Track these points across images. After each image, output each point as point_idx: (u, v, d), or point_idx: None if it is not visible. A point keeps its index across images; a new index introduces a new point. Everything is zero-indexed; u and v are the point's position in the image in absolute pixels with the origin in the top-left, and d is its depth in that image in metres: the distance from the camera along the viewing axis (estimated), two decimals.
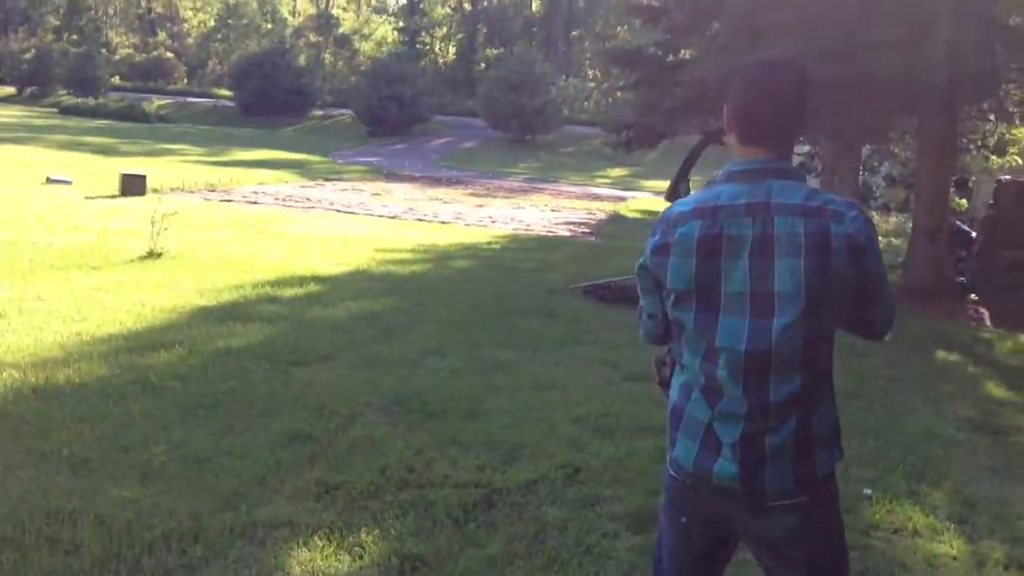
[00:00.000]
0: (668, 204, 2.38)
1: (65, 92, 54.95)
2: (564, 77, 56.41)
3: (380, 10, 79.00)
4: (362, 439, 4.94)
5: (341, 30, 72.63)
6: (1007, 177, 12.90)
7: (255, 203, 17.28)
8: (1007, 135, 13.84)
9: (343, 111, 53.09)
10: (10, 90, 57.10)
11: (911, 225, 12.18)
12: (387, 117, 46.29)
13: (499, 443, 5.03)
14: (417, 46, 67.03)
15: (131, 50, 70.16)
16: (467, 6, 70.49)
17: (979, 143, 13.99)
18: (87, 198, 15.21)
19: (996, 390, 7.50)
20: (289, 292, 8.81)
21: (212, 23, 73.73)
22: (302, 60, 60.15)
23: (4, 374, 5.55)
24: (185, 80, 65.82)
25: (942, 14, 8.35)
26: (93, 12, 69.35)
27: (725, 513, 2.20)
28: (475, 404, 5.72)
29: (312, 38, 71.70)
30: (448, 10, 73.88)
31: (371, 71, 51.17)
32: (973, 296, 11.46)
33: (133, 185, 16.21)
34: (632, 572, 3.72)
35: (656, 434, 5.29)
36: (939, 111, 10.09)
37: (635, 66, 14.17)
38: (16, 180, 16.79)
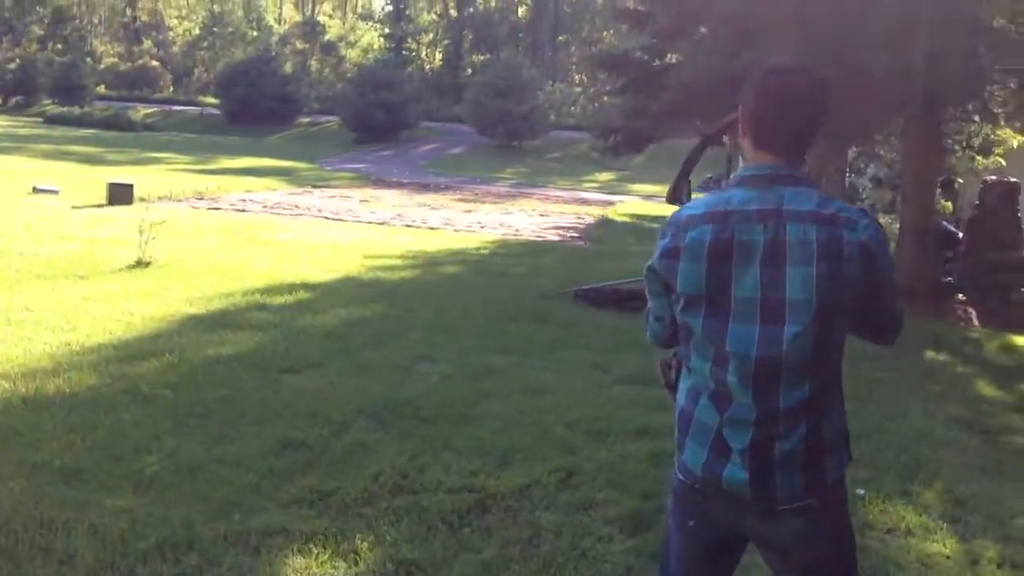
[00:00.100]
0: (671, 206, 2.38)
1: (50, 101, 54.68)
2: (551, 82, 56.48)
3: (366, 17, 78.95)
4: (355, 446, 4.94)
5: (327, 37, 72.51)
6: (992, 178, 12.97)
7: (243, 211, 17.24)
8: (992, 136, 13.92)
9: (330, 118, 53.00)
10: None
11: (898, 226, 12.24)
12: (374, 124, 46.22)
13: (492, 448, 5.03)
14: (403, 52, 66.97)
15: (116, 59, 69.92)
16: (453, 12, 70.54)
17: (964, 144, 14.07)
18: (74, 207, 15.15)
19: (986, 389, 7.53)
20: (279, 300, 8.79)
21: (197, 31, 73.53)
22: (288, 67, 60.07)
23: None
24: (171, 88, 65.59)
25: (926, 16, 8.40)
26: (78, 21, 69.03)
27: (734, 517, 2.19)
28: (467, 409, 5.72)
29: (298, 45, 71.59)
30: (434, 16, 73.91)
31: (357, 78, 51.13)
32: (960, 296, 11.52)
33: (120, 194, 16.16)
34: (627, 575, 3.72)
35: (649, 438, 5.31)
36: (924, 113, 10.15)
37: (622, 71, 14.19)
38: (2, 190, 16.71)
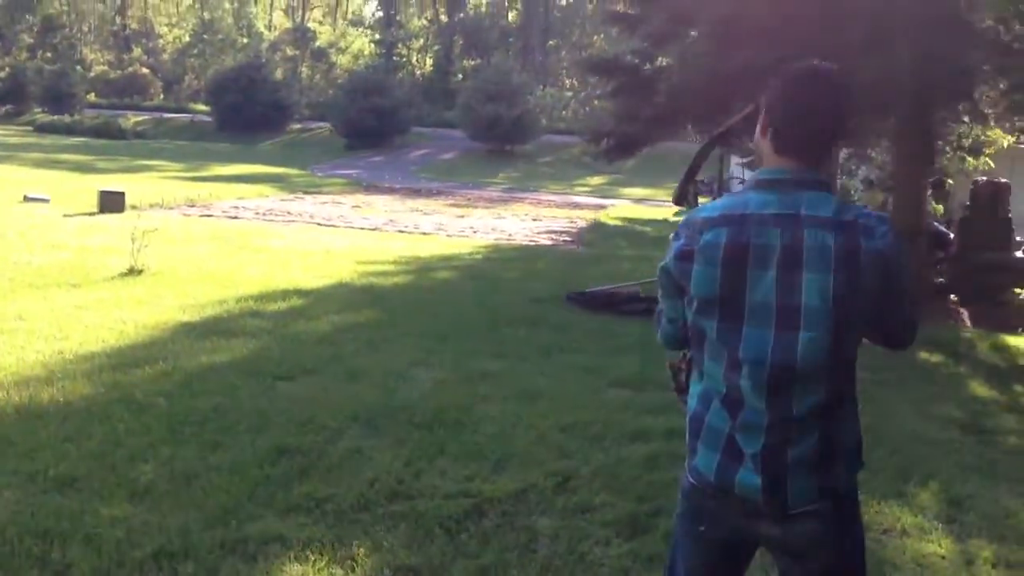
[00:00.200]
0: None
1: (40, 110, 54.64)
2: (542, 87, 56.65)
3: (356, 23, 79.05)
4: (350, 452, 4.93)
5: (318, 43, 72.55)
6: (983, 179, 13.02)
7: (235, 218, 17.22)
8: (982, 137, 13.96)
9: (321, 124, 53.02)
10: None
11: None
12: (365, 130, 46.24)
13: (487, 453, 5.02)
14: (394, 58, 67.08)
15: (106, 67, 69.83)
16: (443, 18, 70.65)
17: (955, 145, 14.11)
18: (65, 216, 15.12)
19: (979, 390, 7.56)
20: (272, 306, 8.78)
21: (187, 38, 73.52)
22: (279, 74, 60.10)
23: None
24: (161, 96, 65.54)
25: (915, 17, 8.43)
26: (67, 30, 69.01)
27: (746, 522, 2.18)
28: (462, 414, 5.71)
29: (289, 52, 71.58)
30: (424, 22, 74.06)
31: (348, 84, 51.19)
32: (952, 297, 11.55)
33: (111, 202, 16.13)
34: None
35: (644, 441, 5.32)
36: (915, 114, 10.18)
37: (613, 75, 14.19)
38: None
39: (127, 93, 62.32)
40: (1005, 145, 14.17)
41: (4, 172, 22.92)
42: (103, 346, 6.89)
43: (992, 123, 12.86)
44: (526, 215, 22.38)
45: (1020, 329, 10.29)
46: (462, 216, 21.08)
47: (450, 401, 5.96)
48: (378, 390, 6.14)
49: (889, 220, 2.17)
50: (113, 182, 19.93)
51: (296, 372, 6.48)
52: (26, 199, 16.79)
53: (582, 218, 22.37)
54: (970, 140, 13.84)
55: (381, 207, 21.84)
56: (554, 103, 55.73)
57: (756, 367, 2.08)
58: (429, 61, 71.60)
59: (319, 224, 17.17)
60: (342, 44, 74.71)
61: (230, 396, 5.79)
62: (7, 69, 57.57)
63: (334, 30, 76.79)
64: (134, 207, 16.54)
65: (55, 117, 50.64)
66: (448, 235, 16.92)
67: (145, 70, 66.96)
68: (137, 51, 71.92)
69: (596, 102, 44.60)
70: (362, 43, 74.76)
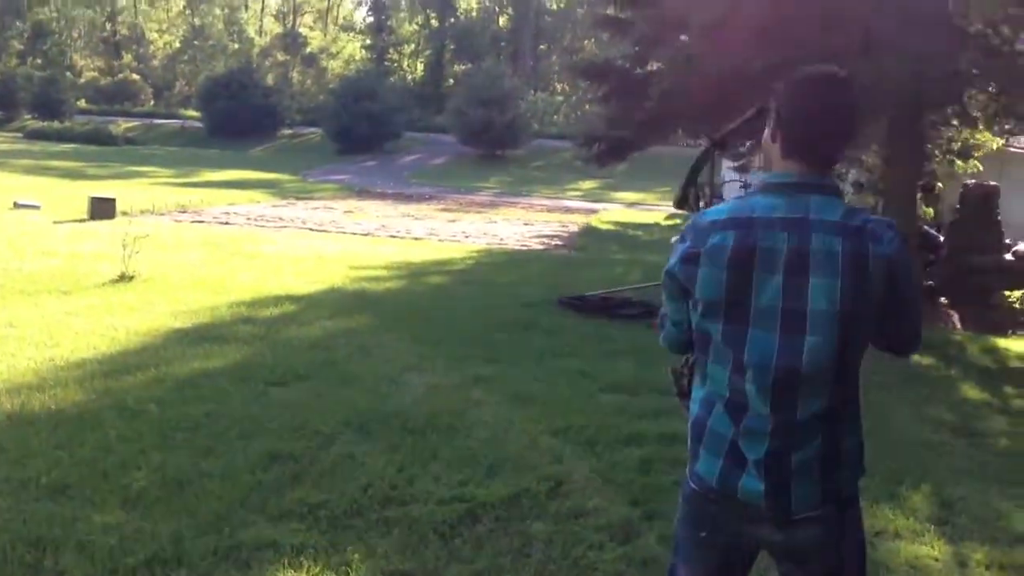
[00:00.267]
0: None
1: (30, 116, 54.48)
2: (533, 91, 56.68)
3: (347, 28, 78.99)
4: (343, 458, 4.92)
5: (309, 49, 72.51)
6: (972, 182, 13.07)
7: (227, 224, 17.19)
8: (972, 140, 14.01)
9: (312, 130, 53.00)
10: None
11: None
12: (357, 135, 46.24)
13: (481, 458, 5.02)
14: (385, 63, 67.10)
15: (96, 73, 69.67)
16: (434, 23, 70.64)
17: (945, 148, 14.15)
18: (56, 222, 15.07)
19: (971, 392, 7.59)
20: (264, 312, 8.77)
21: (178, 44, 73.46)
22: (270, 79, 60.10)
23: None
24: (152, 102, 65.41)
25: (903, 20, 8.46)
26: (57, 36, 68.78)
27: (748, 527, 2.17)
28: (455, 419, 5.70)
29: (279, 57, 71.53)
30: (416, 27, 74.04)
31: (340, 89, 51.18)
32: (943, 299, 11.59)
33: (102, 208, 16.09)
34: None
35: (637, 445, 5.32)
36: (905, 117, 10.22)
37: (604, 79, 14.22)
38: None
39: (117, 99, 62.17)
40: (995, 147, 14.22)
41: None
42: (94, 353, 6.87)
43: (981, 126, 12.90)
44: (518, 220, 22.40)
45: (1010, 331, 10.36)
46: (454, 221, 21.09)
47: (443, 406, 5.96)
48: (371, 395, 6.14)
49: (896, 225, 2.16)
50: (104, 188, 19.87)
51: (288, 378, 6.47)
52: (16, 206, 16.73)
53: (574, 222, 22.40)
54: (960, 143, 13.89)
55: (373, 212, 21.84)
56: (545, 107, 55.80)
57: (761, 371, 2.07)
58: (420, 66, 71.62)
59: (311, 230, 17.16)
60: (333, 49, 74.69)
61: (222, 402, 5.78)
62: None
63: (325, 35, 76.74)
64: (125, 213, 16.52)
65: (45, 123, 50.48)
66: (440, 240, 16.93)
67: (135, 76, 66.83)
68: (127, 57, 71.79)
69: (587, 106, 44.70)
70: (353, 48, 74.76)
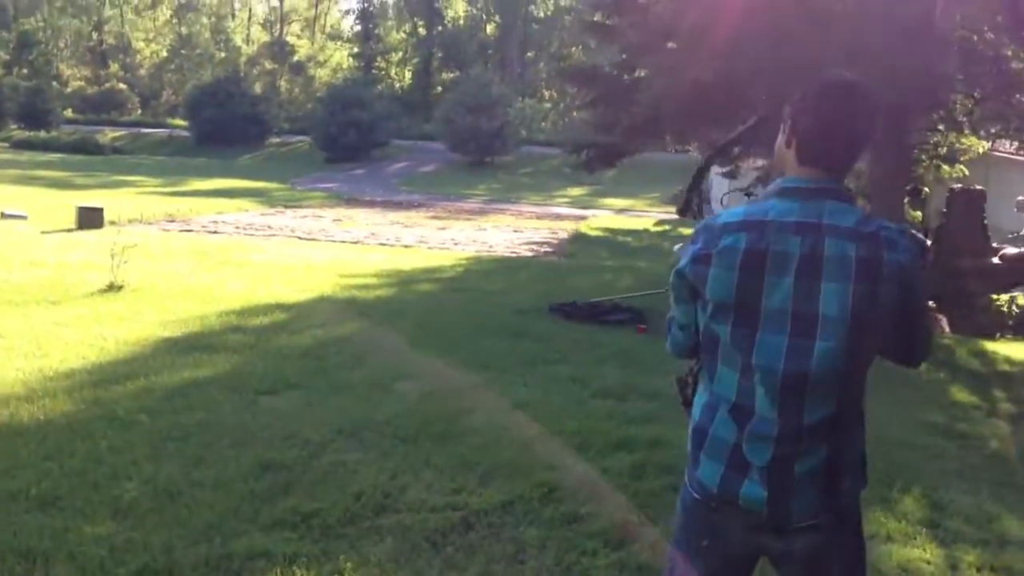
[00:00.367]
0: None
1: (16, 126, 54.28)
2: (520, 98, 56.76)
3: (335, 36, 79.04)
4: (335, 466, 4.90)
5: (296, 57, 72.49)
6: (959, 186, 13.15)
7: (215, 232, 17.16)
8: (957, 145, 14.12)
9: (300, 138, 52.99)
10: None
11: None
12: (345, 143, 46.26)
13: (473, 465, 5.01)
14: (373, 71, 67.18)
15: (83, 83, 69.50)
16: (422, 31, 70.74)
17: (931, 153, 14.26)
18: (43, 232, 15.01)
19: (960, 395, 7.62)
20: (254, 321, 8.74)
21: (165, 53, 73.34)
22: (257, 88, 60.08)
23: None
24: (139, 111, 65.28)
25: (887, 27, 8.52)
26: (43, 46, 68.53)
27: (749, 535, 2.17)
28: (447, 426, 5.69)
29: (267, 66, 71.49)
30: (403, 35, 74.15)
31: (327, 97, 51.21)
32: (931, 303, 11.65)
33: (90, 218, 16.04)
34: None
35: (629, 450, 5.32)
36: (891, 122, 10.28)
37: (592, 85, 14.28)
38: None
39: (104, 109, 62.05)
40: (980, 152, 14.32)
41: None
42: (84, 363, 6.83)
43: (967, 131, 13.00)
44: (507, 226, 22.43)
45: (998, 334, 10.40)
46: (443, 228, 21.10)
47: (434, 413, 5.95)
48: (362, 403, 6.12)
49: (909, 232, 2.17)
50: (91, 198, 19.81)
51: (279, 386, 6.45)
52: (3, 216, 16.67)
53: (563, 229, 22.43)
54: (945, 148, 13.99)
55: (362, 220, 21.83)
56: (533, 114, 55.88)
57: (769, 374, 2.07)
58: (408, 74, 71.72)
59: (300, 238, 17.14)
60: (321, 58, 74.68)
61: (213, 411, 5.75)
62: None
63: (312, 44, 76.73)
64: (113, 223, 16.47)
65: (31, 133, 50.35)
66: (429, 247, 16.93)
67: (122, 85, 66.69)
68: (114, 67, 71.64)
69: (575, 113, 44.77)
70: (341, 56, 74.80)
